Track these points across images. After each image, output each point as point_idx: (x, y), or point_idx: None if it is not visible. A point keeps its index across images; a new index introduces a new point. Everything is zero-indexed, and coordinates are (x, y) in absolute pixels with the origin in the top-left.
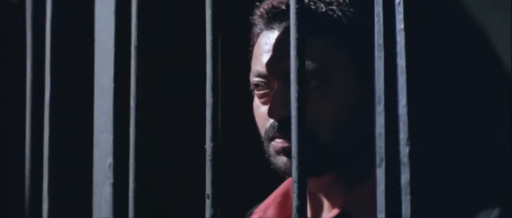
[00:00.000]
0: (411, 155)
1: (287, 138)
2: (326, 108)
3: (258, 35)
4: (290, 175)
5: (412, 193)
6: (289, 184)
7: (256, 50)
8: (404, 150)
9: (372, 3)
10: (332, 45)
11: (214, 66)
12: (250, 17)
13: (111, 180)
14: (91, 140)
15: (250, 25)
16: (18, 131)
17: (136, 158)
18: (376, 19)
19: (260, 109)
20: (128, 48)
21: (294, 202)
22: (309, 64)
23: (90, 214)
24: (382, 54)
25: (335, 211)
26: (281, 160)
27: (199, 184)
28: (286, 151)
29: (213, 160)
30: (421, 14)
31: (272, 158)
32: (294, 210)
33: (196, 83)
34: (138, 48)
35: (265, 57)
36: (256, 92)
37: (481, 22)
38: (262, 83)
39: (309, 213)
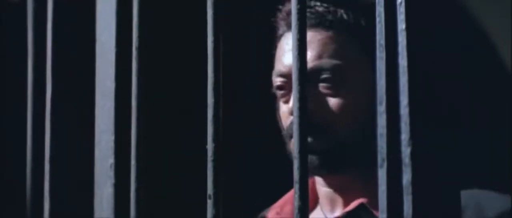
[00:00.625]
0: (412, 155)
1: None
2: (344, 105)
3: (280, 37)
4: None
5: (413, 193)
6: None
7: (278, 51)
8: (406, 150)
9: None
10: (351, 44)
11: (216, 66)
12: (272, 19)
13: (112, 180)
14: (93, 140)
15: (252, 26)
16: (19, 131)
17: (138, 158)
18: (377, 19)
19: (282, 108)
20: (129, 48)
21: (296, 202)
22: (328, 62)
23: (91, 214)
24: (383, 55)
25: (355, 203)
26: None
27: (200, 184)
28: None
29: (215, 160)
30: (422, 14)
31: (292, 156)
32: (295, 210)
33: (197, 83)
34: (139, 48)
35: (287, 58)
36: (278, 92)
37: (481, 22)
38: (283, 83)
39: (327, 211)
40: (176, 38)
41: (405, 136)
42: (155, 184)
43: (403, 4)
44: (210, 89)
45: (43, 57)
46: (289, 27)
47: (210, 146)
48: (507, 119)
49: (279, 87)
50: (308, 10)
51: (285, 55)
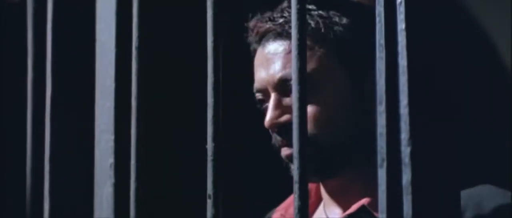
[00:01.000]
0: (412, 155)
1: (289, 144)
2: (318, 112)
3: (254, 53)
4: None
5: (413, 193)
6: (310, 183)
7: (254, 68)
8: (406, 150)
9: (356, 9)
10: (318, 50)
11: (215, 66)
12: (245, 35)
13: (112, 180)
14: (93, 139)
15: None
16: (19, 131)
17: (137, 158)
18: (377, 19)
19: None
20: (129, 48)
21: (295, 202)
22: (290, 71)
23: (91, 214)
24: (383, 55)
25: (356, 206)
26: (292, 167)
27: (200, 184)
28: (289, 158)
29: (214, 160)
30: (422, 14)
31: (285, 163)
32: (295, 210)
33: (197, 83)
34: (139, 48)
35: (258, 73)
36: (262, 106)
37: (481, 22)
38: (262, 97)
39: (329, 212)
40: (176, 38)
41: (404, 135)
42: (155, 184)
43: (403, 3)
44: (209, 89)
45: (43, 57)
46: (258, 43)
47: (210, 146)
48: (507, 119)
49: (260, 102)
50: (270, 21)
51: (257, 71)
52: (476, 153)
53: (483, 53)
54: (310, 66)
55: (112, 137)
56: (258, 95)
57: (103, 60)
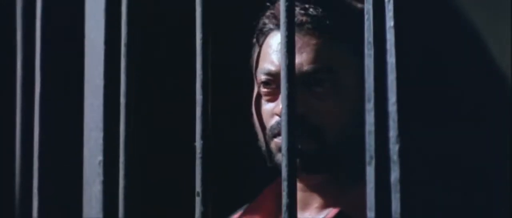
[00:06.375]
0: (401, 152)
1: None
2: (335, 108)
3: (267, 34)
4: None
5: (402, 191)
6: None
7: (265, 48)
8: (394, 148)
9: None
10: (344, 49)
11: (204, 63)
12: (259, 14)
13: (101, 178)
14: (82, 137)
15: (243, 21)
16: (8, 129)
17: (126, 156)
18: (366, 16)
19: (265, 106)
20: (118, 46)
21: (284, 200)
22: (319, 65)
23: (80, 212)
24: (372, 52)
25: (333, 212)
26: (278, 157)
27: (189, 182)
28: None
29: (203, 158)
30: (411, 12)
31: (273, 155)
32: (284, 208)
33: (186, 80)
34: (128, 45)
35: (276, 56)
36: (263, 89)
37: (481, 22)
38: (270, 81)
39: (301, 213)
40: (165, 35)
41: (393, 133)
42: (143, 182)
43: (392, 1)
44: (198, 86)
45: (32, 55)
46: (278, 26)
47: (198, 143)
48: (500, 118)
49: (265, 85)
50: (305, 14)
51: (275, 54)
52: (466, 150)
53: (473, 50)
54: (333, 61)
55: (101, 135)
56: (265, 77)
57: (92, 57)
